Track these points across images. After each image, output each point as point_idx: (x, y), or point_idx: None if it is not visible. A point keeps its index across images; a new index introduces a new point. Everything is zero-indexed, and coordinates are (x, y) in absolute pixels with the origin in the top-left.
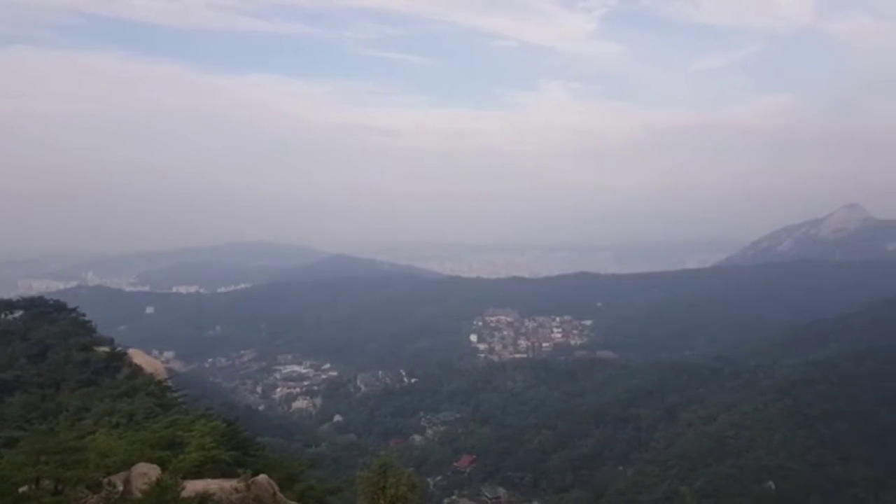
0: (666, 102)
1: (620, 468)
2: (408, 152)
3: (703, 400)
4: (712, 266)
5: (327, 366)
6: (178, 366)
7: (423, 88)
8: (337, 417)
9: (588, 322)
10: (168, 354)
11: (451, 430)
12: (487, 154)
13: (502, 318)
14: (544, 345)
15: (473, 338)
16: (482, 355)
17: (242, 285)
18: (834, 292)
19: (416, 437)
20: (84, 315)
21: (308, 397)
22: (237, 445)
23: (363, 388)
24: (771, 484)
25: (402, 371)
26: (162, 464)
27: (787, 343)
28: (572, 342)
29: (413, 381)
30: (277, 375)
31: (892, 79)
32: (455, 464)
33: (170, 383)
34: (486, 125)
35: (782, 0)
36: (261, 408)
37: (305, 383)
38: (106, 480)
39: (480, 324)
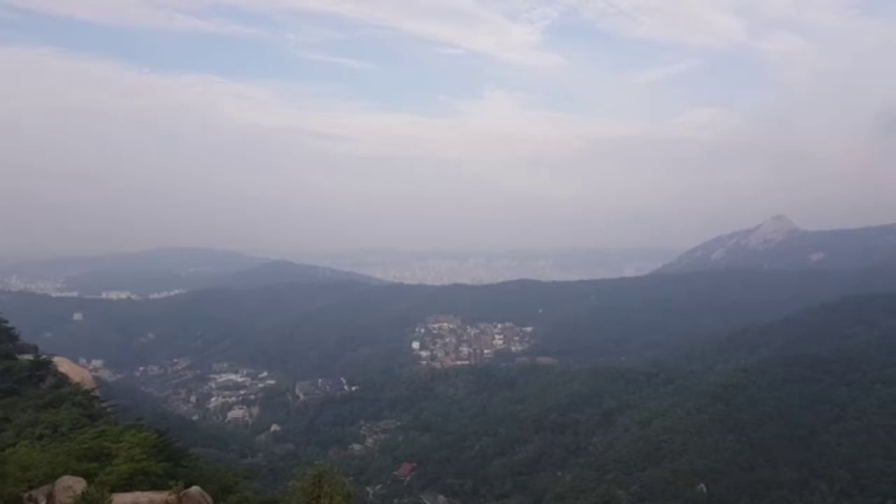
0: (606, 114)
1: (559, 473)
2: (351, 157)
3: (639, 405)
4: (649, 274)
5: (265, 374)
6: (106, 375)
7: (367, 94)
8: (274, 427)
9: (529, 329)
10: (96, 363)
11: (392, 438)
12: (432, 161)
13: (445, 325)
14: (486, 351)
15: (415, 345)
16: (424, 362)
17: (176, 291)
18: (763, 300)
19: (356, 446)
20: (6, 322)
21: (244, 406)
22: (169, 456)
23: (302, 397)
24: (703, 487)
25: (342, 379)
26: (88, 476)
27: (720, 349)
28: (513, 348)
29: (353, 389)
30: (212, 384)
31: (818, 96)
32: (395, 472)
33: (98, 393)
34: (430, 132)
35: (716, 18)
36: (195, 417)
37: (242, 392)
38: (27, 495)
39: (423, 331)
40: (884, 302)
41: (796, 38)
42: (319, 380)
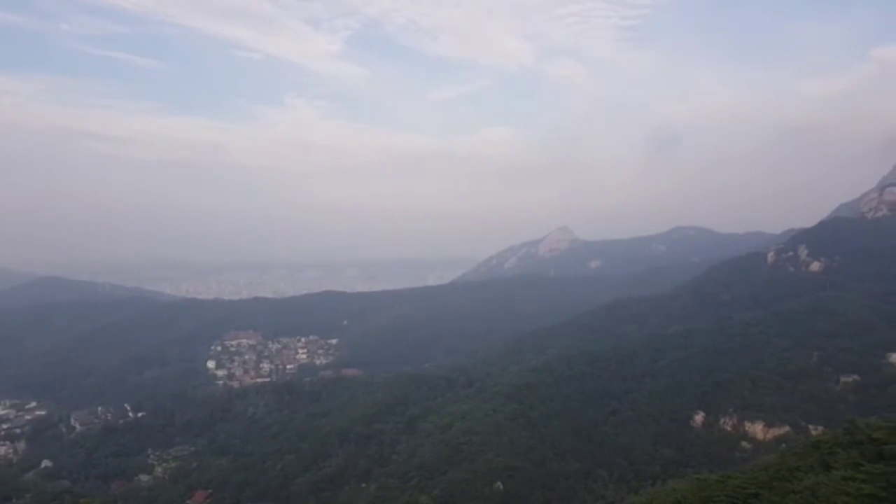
0: (408, 127)
1: (363, 485)
2: (136, 162)
3: (441, 410)
4: (450, 283)
5: (33, 404)
6: None
7: (154, 94)
8: (45, 463)
9: (334, 341)
10: None
11: (185, 465)
12: (228, 167)
13: (244, 341)
14: (289, 367)
15: (211, 364)
16: (221, 382)
17: None
18: (550, 304)
19: (143, 477)
20: None
21: (8, 442)
22: None
23: (79, 428)
24: (499, 484)
25: (126, 405)
26: None
27: (513, 351)
28: (318, 362)
29: (140, 415)
30: None
31: (597, 118)
32: (188, 501)
33: None
34: (228, 137)
35: (507, 41)
36: None
37: (4, 426)
38: None
39: (219, 349)
40: (650, 303)
41: (577, 65)
42: (99, 408)
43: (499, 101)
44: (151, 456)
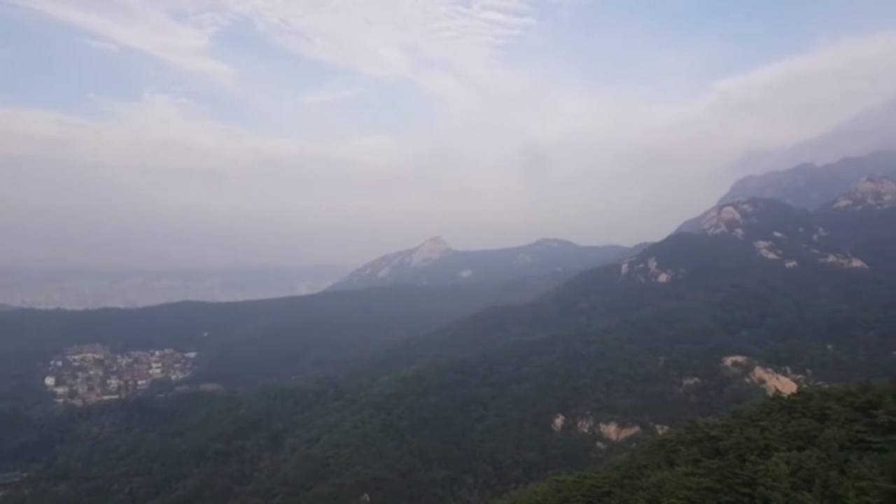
0: (278, 130)
1: None
2: None
3: (307, 423)
4: (321, 292)
5: None
6: None
7: None
8: None
9: (192, 354)
10: None
11: (15, 493)
12: (74, 166)
13: (89, 355)
14: (140, 382)
15: (50, 381)
16: (61, 400)
17: None
18: (422, 314)
19: None
20: None
21: None
22: None
23: None
24: (366, 497)
25: None
26: None
27: (384, 361)
28: (173, 377)
29: None
30: None
31: (470, 132)
32: None
33: None
34: (77, 133)
35: (384, 51)
36: None
37: None
38: None
39: (60, 364)
40: (516, 312)
41: (452, 79)
42: None
43: (375, 109)
44: None
